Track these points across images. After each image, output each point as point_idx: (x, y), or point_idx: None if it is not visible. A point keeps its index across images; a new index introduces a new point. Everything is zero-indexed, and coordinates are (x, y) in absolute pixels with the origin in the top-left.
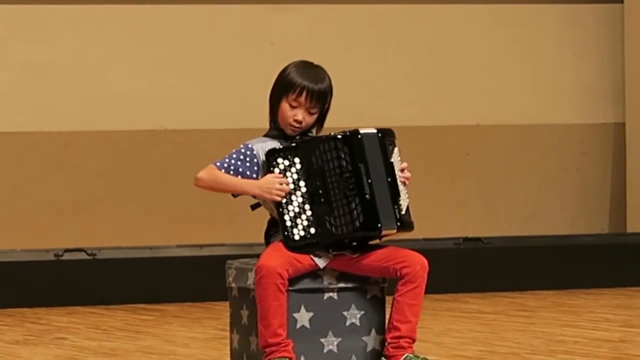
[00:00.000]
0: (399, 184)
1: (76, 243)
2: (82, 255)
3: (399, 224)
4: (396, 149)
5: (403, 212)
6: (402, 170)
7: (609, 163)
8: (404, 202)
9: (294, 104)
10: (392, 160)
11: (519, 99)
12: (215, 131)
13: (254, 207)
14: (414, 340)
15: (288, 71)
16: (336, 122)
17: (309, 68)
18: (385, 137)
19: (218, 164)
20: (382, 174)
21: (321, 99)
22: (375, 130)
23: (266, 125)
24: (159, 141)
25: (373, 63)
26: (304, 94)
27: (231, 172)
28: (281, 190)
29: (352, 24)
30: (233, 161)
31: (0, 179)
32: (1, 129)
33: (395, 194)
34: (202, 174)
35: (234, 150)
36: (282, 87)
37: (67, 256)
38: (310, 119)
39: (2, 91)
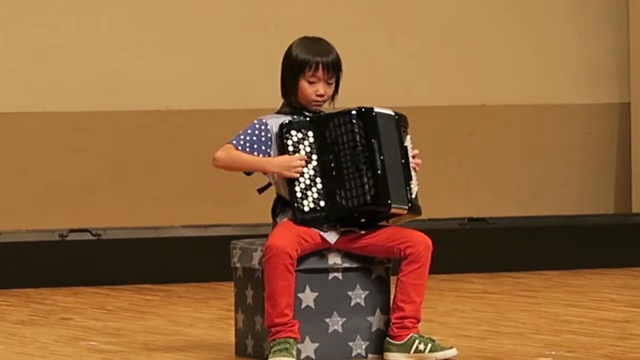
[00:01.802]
0: (411, 168)
1: (81, 223)
2: (87, 236)
3: (410, 205)
4: (408, 136)
5: (414, 196)
6: (413, 157)
7: (614, 143)
8: (414, 186)
9: (313, 79)
10: (406, 144)
11: (524, 79)
12: (220, 111)
13: (261, 190)
14: (418, 320)
15: (295, 51)
16: (340, 102)
17: (314, 43)
18: (400, 121)
19: (234, 142)
20: (397, 155)
21: (336, 68)
22: (392, 112)
23: (271, 105)
24: (164, 121)
25: (378, 43)
26: (320, 68)
27: (247, 149)
28: (300, 166)
29: (356, 4)
30: (248, 137)
31: (5, 160)
32: (6, 109)
33: (407, 177)
34: (219, 154)
35: (248, 126)
36: (296, 68)
37: (72, 236)
38: (330, 90)
39: (7, 72)
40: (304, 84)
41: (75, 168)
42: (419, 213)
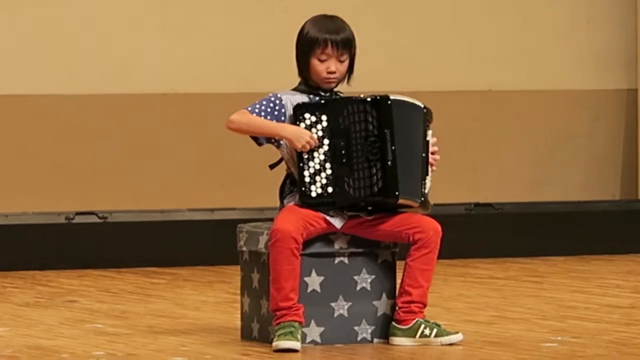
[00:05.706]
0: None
1: (87, 206)
2: (94, 219)
3: (422, 199)
4: (430, 131)
5: (426, 191)
6: (432, 153)
7: (621, 129)
8: (428, 182)
9: (323, 57)
10: (428, 138)
11: (531, 64)
12: (227, 95)
13: (272, 166)
14: (424, 305)
15: (307, 29)
16: (348, 87)
17: (326, 20)
18: (427, 115)
19: (249, 108)
20: (417, 147)
21: (347, 45)
22: (421, 105)
23: (278, 89)
24: (171, 104)
25: (385, 28)
26: (329, 45)
27: (262, 116)
28: (309, 143)
29: None
30: (263, 107)
31: (12, 142)
32: (13, 91)
33: (425, 171)
34: (234, 116)
35: (263, 98)
36: (307, 46)
37: (78, 219)
38: (342, 67)
39: (15, 54)
40: (314, 62)
41: (82, 151)
42: (428, 209)
